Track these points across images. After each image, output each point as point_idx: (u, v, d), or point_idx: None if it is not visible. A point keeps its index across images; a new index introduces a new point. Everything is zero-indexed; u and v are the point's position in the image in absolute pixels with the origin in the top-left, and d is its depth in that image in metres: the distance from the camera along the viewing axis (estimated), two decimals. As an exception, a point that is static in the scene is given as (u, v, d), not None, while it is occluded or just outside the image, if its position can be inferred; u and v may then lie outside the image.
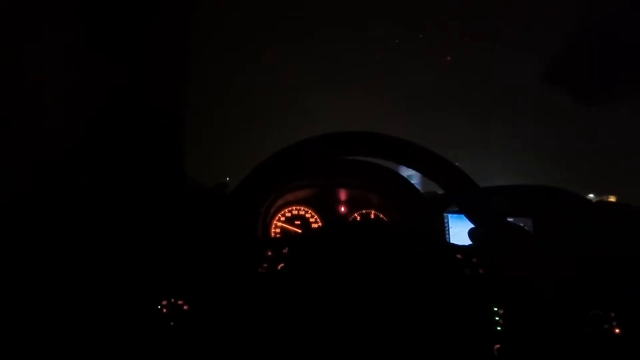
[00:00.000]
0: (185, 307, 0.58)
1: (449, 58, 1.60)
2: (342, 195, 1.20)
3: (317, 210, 1.19)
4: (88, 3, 0.75)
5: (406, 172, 1.06)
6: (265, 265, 0.59)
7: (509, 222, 0.65)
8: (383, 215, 1.18)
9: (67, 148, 0.72)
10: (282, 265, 0.59)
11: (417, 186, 1.09)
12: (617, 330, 0.65)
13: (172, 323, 0.58)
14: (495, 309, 0.59)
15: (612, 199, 1.10)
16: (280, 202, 1.18)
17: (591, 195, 1.16)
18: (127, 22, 0.81)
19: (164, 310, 0.58)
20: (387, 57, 1.72)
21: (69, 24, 0.72)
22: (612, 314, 0.65)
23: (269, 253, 0.60)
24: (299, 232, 1.16)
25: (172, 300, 0.59)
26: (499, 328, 0.58)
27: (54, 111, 0.70)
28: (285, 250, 0.60)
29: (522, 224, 1.09)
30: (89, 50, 0.75)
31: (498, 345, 0.57)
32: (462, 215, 0.68)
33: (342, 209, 1.20)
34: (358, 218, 1.19)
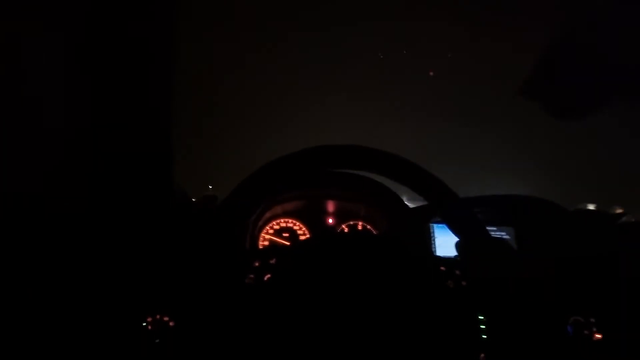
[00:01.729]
0: (170, 324, 0.58)
1: (431, 73, 1.64)
2: (330, 207, 1.21)
3: (305, 223, 1.20)
4: (77, 4, 0.75)
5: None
6: (251, 276, 0.59)
7: (491, 236, 0.67)
8: (370, 226, 1.19)
9: (48, 154, 0.71)
10: (269, 276, 0.59)
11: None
12: (597, 336, 0.66)
13: (157, 340, 0.58)
14: (480, 317, 0.60)
15: (619, 210, 1.11)
16: (268, 214, 1.18)
17: (591, 207, 1.17)
18: (115, 23, 0.81)
19: (149, 328, 0.58)
20: (373, 68, 1.76)
21: (57, 22, 0.71)
22: (593, 320, 0.67)
23: (256, 264, 0.60)
24: (287, 245, 1.16)
25: (157, 316, 0.58)
26: (484, 337, 0.59)
27: (38, 114, 0.70)
28: (272, 261, 0.60)
29: (504, 233, 1.11)
30: (75, 50, 0.74)
31: (483, 355, 0.58)
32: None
33: (330, 220, 1.21)
34: (346, 229, 1.20)
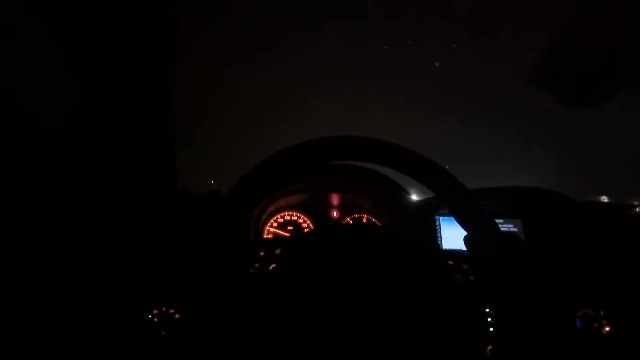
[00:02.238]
0: (176, 316, 0.58)
1: (437, 64, 1.62)
2: (334, 200, 1.20)
3: (309, 215, 1.19)
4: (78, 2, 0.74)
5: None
6: (256, 265, 0.59)
7: (500, 230, 0.65)
8: (375, 219, 1.19)
9: (54, 149, 0.71)
10: (274, 265, 0.59)
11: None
12: (607, 329, 0.65)
13: (163, 332, 0.58)
14: (487, 310, 0.59)
15: (633, 202, 1.10)
16: (272, 208, 1.18)
17: (604, 198, 1.15)
18: (116, 20, 0.80)
19: (155, 320, 0.58)
20: (377, 61, 1.74)
21: (58, 22, 0.71)
22: (602, 313, 0.66)
23: (261, 253, 0.60)
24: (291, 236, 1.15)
25: (163, 309, 0.58)
26: (491, 329, 0.59)
27: (40, 111, 0.69)
28: (277, 251, 0.60)
29: (512, 226, 1.10)
30: (77, 49, 0.74)
31: (490, 347, 0.57)
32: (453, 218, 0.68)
33: (335, 213, 1.20)
34: (350, 222, 1.19)
